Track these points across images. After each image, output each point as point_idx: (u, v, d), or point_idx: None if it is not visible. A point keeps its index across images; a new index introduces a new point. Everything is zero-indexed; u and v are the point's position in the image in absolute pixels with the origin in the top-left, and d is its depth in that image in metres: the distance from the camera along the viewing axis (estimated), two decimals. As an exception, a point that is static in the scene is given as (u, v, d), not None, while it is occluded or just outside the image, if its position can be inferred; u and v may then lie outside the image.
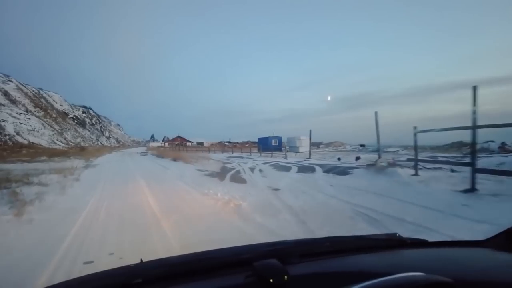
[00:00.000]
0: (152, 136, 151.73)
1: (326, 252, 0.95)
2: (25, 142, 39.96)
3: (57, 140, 51.87)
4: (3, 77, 70.32)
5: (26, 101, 66.00)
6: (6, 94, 58.37)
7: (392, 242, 1.10)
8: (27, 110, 56.15)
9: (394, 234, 1.13)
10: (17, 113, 49.34)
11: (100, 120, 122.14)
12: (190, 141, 58.64)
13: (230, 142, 60.41)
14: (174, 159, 15.58)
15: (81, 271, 2.08)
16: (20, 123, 46.20)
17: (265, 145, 27.79)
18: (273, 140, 30.31)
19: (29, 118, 50.88)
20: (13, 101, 57.93)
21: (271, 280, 0.65)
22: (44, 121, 57.66)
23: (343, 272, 0.83)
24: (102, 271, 0.76)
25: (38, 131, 48.59)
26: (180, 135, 68.74)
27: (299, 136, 27.54)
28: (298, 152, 26.56)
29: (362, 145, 40.34)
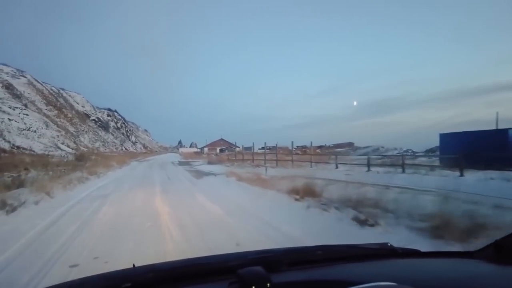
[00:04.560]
0: (180, 142, 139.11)
1: (316, 261, 0.94)
2: (6, 146, 26.20)
3: (62, 143, 38.18)
4: (15, 72, 60.00)
5: (37, 98, 54.37)
6: (9, 87, 46.55)
7: (384, 252, 1.08)
8: (26, 106, 43.41)
9: (386, 244, 1.11)
10: (9, 107, 36.46)
11: (126, 124, 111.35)
12: (236, 146, 42.11)
13: (298, 147, 43.16)
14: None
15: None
16: (10, 119, 32.98)
17: (484, 148, 10.49)
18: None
19: (26, 115, 37.80)
20: (17, 96, 45.92)
21: (253, 287, 0.65)
22: (50, 120, 44.72)
23: (329, 280, 0.79)
24: (94, 275, 0.77)
25: (35, 131, 35.17)
26: (224, 138, 52.92)
27: None
28: None
29: None
